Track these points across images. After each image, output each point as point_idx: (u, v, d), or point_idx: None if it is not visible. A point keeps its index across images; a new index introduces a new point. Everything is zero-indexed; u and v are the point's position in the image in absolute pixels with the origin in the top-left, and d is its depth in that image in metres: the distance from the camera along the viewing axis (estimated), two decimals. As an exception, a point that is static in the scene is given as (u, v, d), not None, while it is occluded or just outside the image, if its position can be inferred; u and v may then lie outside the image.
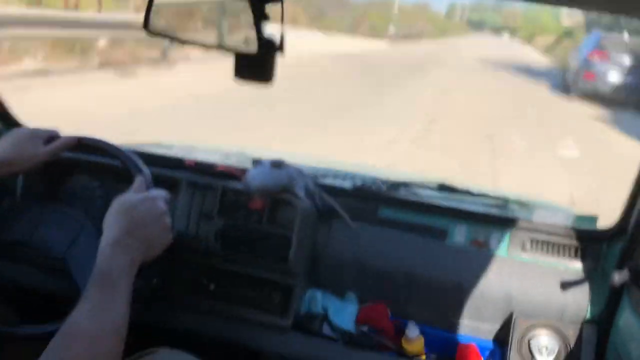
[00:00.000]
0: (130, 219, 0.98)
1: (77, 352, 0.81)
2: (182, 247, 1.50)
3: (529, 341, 1.45)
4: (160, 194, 1.07)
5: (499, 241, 1.53)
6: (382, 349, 1.47)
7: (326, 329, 1.48)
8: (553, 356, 1.44)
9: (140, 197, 1.04)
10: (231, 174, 1.54)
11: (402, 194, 1.62)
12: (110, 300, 0.87)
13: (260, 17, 0.94)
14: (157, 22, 0.98)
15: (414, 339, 1.45)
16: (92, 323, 0.84)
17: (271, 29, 0.91)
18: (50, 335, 1.15)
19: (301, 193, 1.47)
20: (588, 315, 1.45)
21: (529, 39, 46.30)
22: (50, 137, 1.24)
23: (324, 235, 1.55)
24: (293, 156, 1.63)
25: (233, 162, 1.70)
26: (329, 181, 1.67)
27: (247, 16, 0.93)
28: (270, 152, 1.70)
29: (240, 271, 1.52)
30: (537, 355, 1.43)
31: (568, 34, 31.47)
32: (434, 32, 39.47)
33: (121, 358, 0.86)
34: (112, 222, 0.97)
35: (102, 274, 0.89)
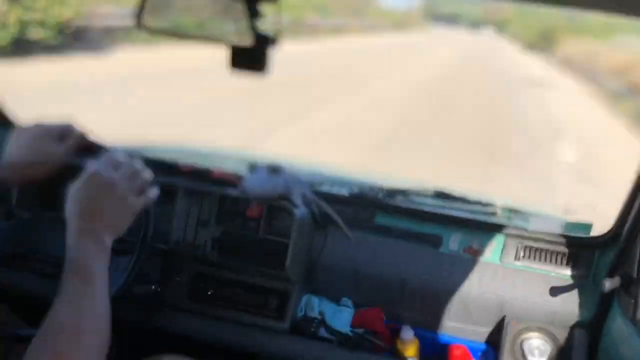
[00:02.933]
0: (81, 204, 0.94)
1: (58, 346, 0.79)
2: (180, 254, 1.53)
3: (521, 343, 1.47)
4: (102, 164, 0.99)
5: (493, 249, 1.55)
6: (377, 350, 1.49)
7: (322, 332, 1.50)
8: (545, 358, 1.46)
9: (83, 178, 0.97)
10: (228, 181, 1.55)
11: (398, 201, 1.64)
12: (86, 289, 0.85)
13: (254, 14, 0.95)
14: (150, 17, 0.99)
15: (408, 340, 1.48)
16: (71, 314, 0.83)
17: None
18: None
19: (298, 200, 1.49)
20: (579, 320, 1.47)
21: (542, 43, 23.48)
22: (63, 133, 1.16)
23: (320, 242, 1.58)
24: (289, 162, 1.64)
25: (229, 166, 1.71)
26: (325, 188, 1.68)
27: (241, 12, 0.94)
28: (266, 156, 1.71)
29: (237, 278, 1.55)
30: (529, 357, 1.45)
31: None
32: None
33: (107, 348, 0.84)
34: (69, 215, 0.94)
35: (73, 265, 0.87)
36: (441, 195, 1.65)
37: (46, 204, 1.60)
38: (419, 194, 1.67)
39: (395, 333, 1.51)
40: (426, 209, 1.61)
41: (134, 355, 1.27)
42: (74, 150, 1.17)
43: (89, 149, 1.22)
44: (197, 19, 1.04)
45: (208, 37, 0.98)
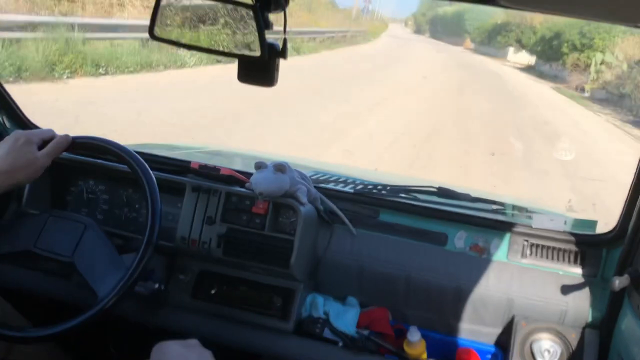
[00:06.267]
0: None
1: None
2: (184, 251, 1.52)
3: (530, 344, 1.45)
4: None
5: (499, 246, 1.54)
6: (383, 352, 1.48)
7: (327, 333, 1.48)
8: None
9: None
10: (235, 179, 1.56)
11: (402, 198, 1.63)
12: None
13: (263, 24, 0.96)
14: (162, 28, 1.00)
15: (415, 342, 1.46)
16: None
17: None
18: (56, 336, 1.16)
19: (304, 198, 1.48)
20: (589, 320, 1.45)
21: None
22: (44, 139, 1.24)
23: (325, 240, 1.57)
24: (295, 160, 1.65)
25: (237, 164, 1.72)
26: (330, 186, 1.68)
27: (251, 23, 0.95)
28: (273, 155, 1.72)
29: (241, 276, 1.54)
30: (539, 359, 1.44)
31: None
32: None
33: None
34: None
35: None
36: (444, 193, 1.64)
37: (56, 202, 1.63)
38: (422, 191, 1.66)
39: (401, 334, 1.50)
40: (430, 206, 1.60)
41: (137, 353, 1.29)
42: (58, 153, 1.26)
43: (76, 147, 1.31)
44: (208, 30, 1.05)
45: (218, 49, 1.00)
